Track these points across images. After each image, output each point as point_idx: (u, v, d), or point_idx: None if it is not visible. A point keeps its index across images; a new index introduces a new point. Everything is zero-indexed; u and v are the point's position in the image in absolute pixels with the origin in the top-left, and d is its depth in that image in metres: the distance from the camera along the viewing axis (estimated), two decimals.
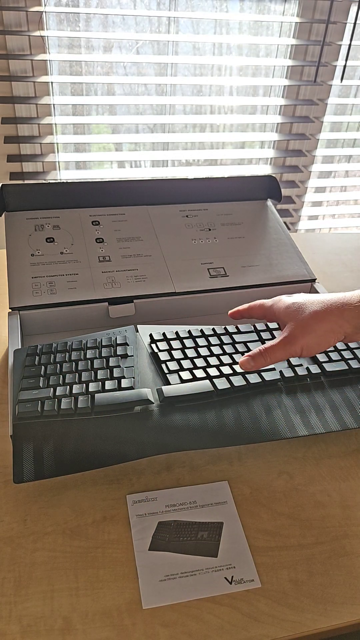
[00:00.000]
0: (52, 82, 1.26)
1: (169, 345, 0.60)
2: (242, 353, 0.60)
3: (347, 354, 0.61)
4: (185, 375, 0.56)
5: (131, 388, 0.54)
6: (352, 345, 0.63)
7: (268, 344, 0.53)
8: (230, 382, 0.56)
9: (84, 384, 0.54)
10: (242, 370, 0.57)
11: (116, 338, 0.60)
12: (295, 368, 0.59)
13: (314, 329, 0.50)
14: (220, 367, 0.57)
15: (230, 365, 0.58)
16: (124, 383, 0.55)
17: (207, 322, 0.72)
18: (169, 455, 0.56)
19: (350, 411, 0.56)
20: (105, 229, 0.76)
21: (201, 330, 0.62)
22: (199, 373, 0.57)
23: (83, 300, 0.67)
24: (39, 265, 0.70)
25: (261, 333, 0.63)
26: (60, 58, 1.24)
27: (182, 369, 0.57)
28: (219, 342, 0.61)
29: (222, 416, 0.53)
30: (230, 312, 0.59)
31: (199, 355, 0.59)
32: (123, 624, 0.43)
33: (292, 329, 0.51)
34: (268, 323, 0.64)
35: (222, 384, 0.55)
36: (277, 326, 0.64)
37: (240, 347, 0.60)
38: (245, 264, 0.75)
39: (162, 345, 0.60)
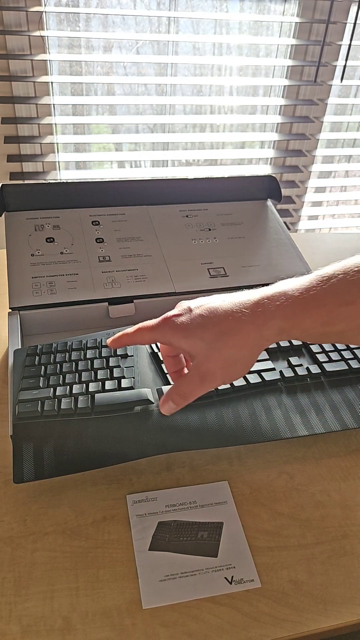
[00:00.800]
0: (52, 82, 1.26)
1: None
2: None
3: (347, 354, 0.61)
4: None
5: (131, 388, 0.54)
6: (352, 345, 0.63)
7: (182, 381, 0.43)
8: (230, 382, 0.56)
9: (84, 384, 0.54)
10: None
11: None
12: (296, 368, 0.59)
13: (234, 359, 0.41)
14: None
15: None
16: (124, 383, 0.55)
17: None
18: (169, 455, 0.56)
19: (350, 411, 0.56)
20: (105, 229, 0.76)
21: None
22: None
23: (83, 300, 0.67)
24: (39, 265, 0.70)
25: None
26: (60, 58, 1.24)
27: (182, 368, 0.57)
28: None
29: (222, 416, 0.53)
30: (108, 341, 0.47)
31: None
32: (123, 624, 0.43)
33: (206, 363, 0.41)
34: None
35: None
36: None
37: None
38: (245, 264, 0.75)
39: None
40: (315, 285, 0.40)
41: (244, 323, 0.41)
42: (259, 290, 0.42)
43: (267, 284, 0.76)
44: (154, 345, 0.60)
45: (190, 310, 0.43)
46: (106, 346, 0.59)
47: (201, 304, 0.43)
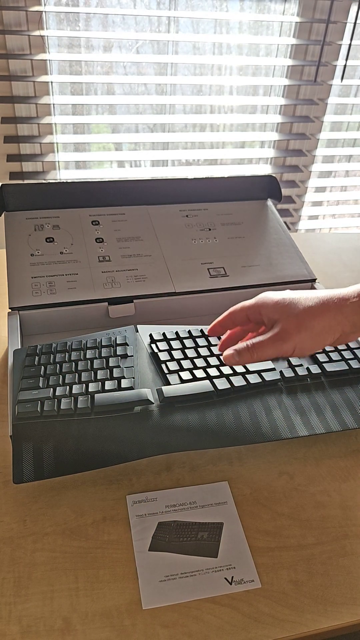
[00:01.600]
0: (51, 82, 1.26)
1: (169, 345, 0.60)
2: None
3: (347, 354, 0.61)
4: (185, 375, 0.56)
5: (131, 388, 0.54)
6: (352, 345, 0.63)
7: (257, 339, 0.47)
8: (230, 382, 0.56)
9: (84, 384, 0.54)
10: (243, 370, 0.57)
11: (116, 338, 0.60)
12: (296, 368, 0.59)
13: (309, 325, 0.46)
14: (221, 367, 0.57)
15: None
16: (124, 383, 0.54)
17: (207, 322, 0.72)
18: (169, 456, 0.56)
19: (350, 411, 0.56)
20: (105, 229, 0.76)
21: (201, 330, 0.62)
22: (199, 373, 0.57)
23: (83, 300, 0.67)
24: (38, 265, 0.70)
25: None
26: (60, 58, 1.24)
27: (182, 369, 0.57)
28: (219, 342, 0.61)
29: (222, 416, 0.53)
30: (209, 329, 0.53)
31: (199, 355, 0.59)
32: (123, 625, 0.43)
33: (284, 326, 0.46)
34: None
35: (222, 384, 0.55)
36: None
37: None
38: (245, 264, 0.75)
39: (162, 345, 0.60)
40: None
41: (328, 299, 0.47)
42: (349, 288, 0.48)
43: (267, 284, 0.76)
44: (153, 346, 0.60)
45: (285, 291, 0.50)
46: (106, 346, 0.59)
47: (297, 291, 0.50)
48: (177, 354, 0.59)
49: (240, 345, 0.48)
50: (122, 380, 0.55)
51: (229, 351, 0.48)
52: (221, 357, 0.58)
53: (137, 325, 0.63)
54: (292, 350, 0.47)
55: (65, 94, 1.32)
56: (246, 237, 0.80)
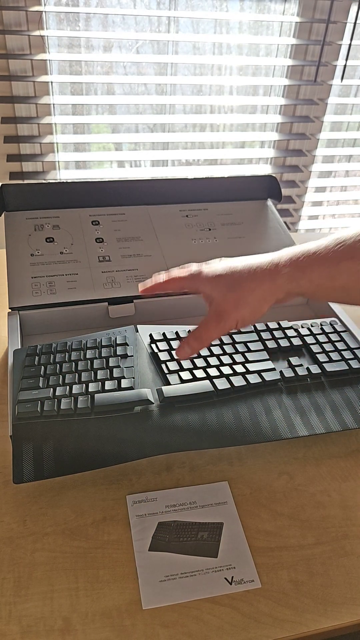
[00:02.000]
0: (51, 82, 1.26)
1: (169, 345, 0.60)
2: (243, 353, 0.60)
3: (347, 354, 0.61)
4: (185, 375, 0.56)
5: (131, 388, 0.54)
6: (352, 345, 0.63)
7: (199, 324, 0.49)
8: (230, 382, 0.56)
9: (84, 384, 0.54)
10: (243, 370, 0.57)
11: (116, 338, 0.60)
12: (296, 368, 0.59)
13: (246, 301, 0.47)
14: (220, 367, 0.57)
15: (230, 365, 0.58)
16: (124, 383, 0.54)
17: None
18: (169, 456, 0.56)
19: (350, 411, 0.56)
20: (105, 229, 0.76)
21: None
22: (199, 373, 0.57)
23: (83, 300, 0.67)
24: (38, 265, 0.70)
25: (261, 333, 0.63)
26: (60, 58, 1.24)
27: (182, 369, 0.57)
28: (219, 342, 0.61)
29: (222, 416, 0.53)
30: (141, 288, 0.53)
31: (199, 355, 0.59)
32: (123, 625, 0.43)
33: (223, 305, 0.47)
34: (268, 323, 0.64)
35: (222, 384, 0.55)
36: (277, 326, 0.64)
37: (240, 347, 0.60)
38: None
39: (162, 345, 0.60)
40: (329, 245, 0.46)
41: (261, 270, 0.47)
42: (284, 249, 0.48)
43: None
44: (153, 346, 0.60)
45: (219, 262, 0.50)
46: (106, 346, 0.59)
47: (231, 260, 0.50)
48: None
49: (186, 338, 0.50)
50: (122, 380, 0.55)
51: (178, 348, 0.50)
52: (220, 357, 0.58)
53: (137, 325, 0.63)
54: (235, 325, 0.49)
55: (65, 94, 1.32)
56: (246, 237, 0.80)
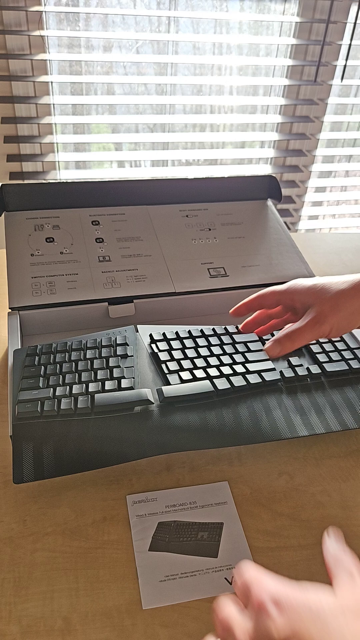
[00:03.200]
0: (51, 82, 1.26)
1: (169, 345, 0.60)
2: (243, 353, 0.60)
3: (347, 354, 0.61)
4: (185, 375, 0.56)
5: (131, 388, 0.54)
6: (352, 345, 0.63)
7: (294, 326, 0.50)
8: (230, 382, 0.56)
9: (84, 384, 0.54)
10: (243, 370, 0.57)
11: (116, 338, 0.60)
12: (296, 368, 0.59)
13: (344, 306, 0.48)
14: (221, 367, 0.57)
15: (230, 365, 0.58)
16: (124, 383, 0.54)
17: (207, 322, 0.72)
18: (169, 456, 0.56)
19: (350, 411, 0.56)
20: (105, 229, 0.76)
21: (201, 330, 0.62)
22: (199, 373, 0.57)
23: (83, 300, 0.67)
24: (38, 265, 0.70)
25: None
26: (60, 58, 1.24)
27: (182, 369, 0.57)
28: (219, 342, 0.61)
29: (222, 416, 0.53)
30: (233, 309, 0.56)
31: (199, 356, 0.59)
32: (123, 625, 0.43)
33: (320, 309, 0.49)
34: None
35: (222, 384, 0.55)
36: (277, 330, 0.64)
37: (240, 347, 0.60)
38: (245, 264, 0.75)
39: (162, 345, 0.60)
40: None
41: (356, 283, 0.49)
42: None
43: (267, 284, 0.76)
44: (153, 346, 0.60)
45: (316, 278, 0.52)
46: (106, 346, 0.59)
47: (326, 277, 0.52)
48: (177, 354, 0.59)
49: (279, 335, 0.51)
50: (122, 380, 0.55)
51: (270, 343, 0.51)
52: (220, 357, 0.58)
53: (137, 325, 0.63)
54: (329, 331, 0.50)
55: (65, 94, 1.32)
56: (246, 237, 0.80)
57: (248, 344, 0.61)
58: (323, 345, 0.62)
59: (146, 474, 0.54)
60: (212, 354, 0.59)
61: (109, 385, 0.54)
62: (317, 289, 0.50)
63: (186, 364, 0.58)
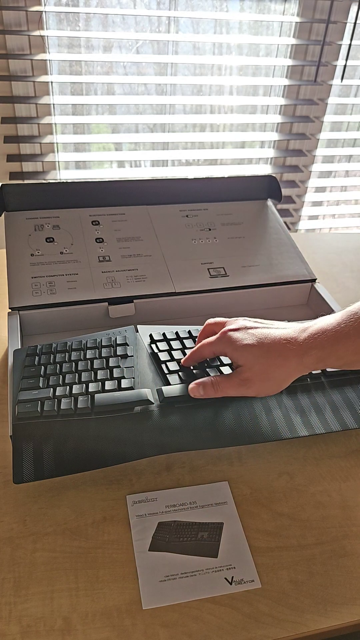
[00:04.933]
0: (51, 82, 1.26)
1: (169, 345, 0.60)
2: None
3: None
4: (185, 375, 0.56)
5: (131, 388, 0.54)
6: None
7: (222, 377, 0.51)
8: None
9: (84, 384, 0.54)
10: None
11: (116, 338, 0.60)
12: None
13: (273, 375, 0.49)
14: (221, 367, 0.57)
15: (230, 365, 0.58)
16: (124, 383, 0.54)
17: None
18: (169, 456, 0.56)
19: (350, 411, 0.56)
20: (105, 229, 0.76)
21: None
22: (199, 373, 0.57)
23: (83, 300, 0.67)
24: (38, 265, 0.70)
25: None
26: (60, 58, 1.24)
27: (182, 369, 0.57)
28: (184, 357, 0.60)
29: (222, 416, 0.53)
30: (182, 361, 0.57)
31: None
32: (123, 625, 0.43)
33: (249, 375, 0.49)
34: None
35: None
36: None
37: None
38: (245, 264, 0.75)
39: (162, 346, 0.60)
40: (344, 320, 0.48)
41: (288, 349, 0.49)
42: (302, 325, 0.50)
43: (267, 284, 0.76)
44: (153, 346, 0.60)
45: (246, 328, 0.51)
46: (106, 346, 0.59)
47: (256, 327, 0.51)
48: (177, 354, 0.59)
49: (205, 380, 0.52)
50: (122, 380, 0.55)
51: (193, 385, 0.52)
52: (220, 357, 0.58)
53: (137, 325, 0.63)
54: (254, 394, 0.51)
55: (65, 94, 1.32)
56: (246, 237, 0.80)
57: None
58: None
59: (146, 474, 0.54)
60: None
61: (109, 385, 0.54)
62: (248, 350, 0.49)
63: None
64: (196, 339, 0.61)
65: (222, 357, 0.58)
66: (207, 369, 0.56)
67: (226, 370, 0.56)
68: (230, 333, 0.51)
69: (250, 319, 0.53)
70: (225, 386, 0.51)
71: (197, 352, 0.55)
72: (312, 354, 0.48)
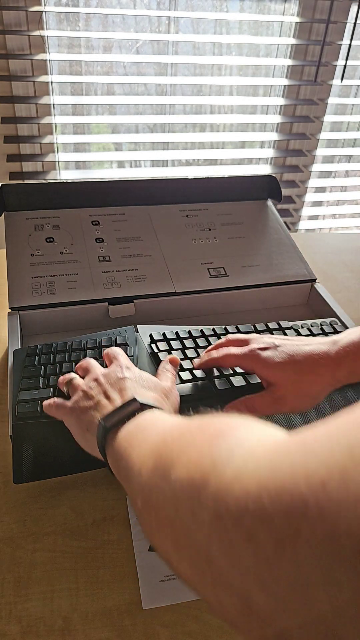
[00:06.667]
0: (51, 82, 1.26)
1: (169, 345, 0.60)
2: None
3: None
4: (185, 375, 0.56)
5: None
6: None
7: (254, 397, 0.50)
8: (230, 382, 0.56)
9: None
10: (242, 370, 0.57)
11: (116, 338, 0.60)
12: None
13: (306, 392, 0.49)
14: (220, 367, 0.57)
15: (242, 374, 0.57)
16: None
17: (207, 322, 0.72)
18: None
19: None
20: (105, 229, 0.76)
21: (201, 331, 0.62)
22: (199, 373, 0.56)
23: (83, 300, 0.67)
24: (38, 265, 0.70)
25: (261, 333, 0.63)
26: (60, 58, 1.24)
27: (182, 369, 0.57)
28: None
29: None
30: (196, 364, 0.56)
31: (199, 356, 0.59)
32: (123, 625, 0.43)
33: (282, 391, 0.49)
34: (268, 323, 0.64)
35: (222, 384, 0.55)
36: (277, 326, 0.64)
37: None
38: (245, 264, 0.75)
39: (162, 346, 0.60)
40: None
41: (320, 365, 0.48)
42: (331, 339, 0.50)
43: (267, 284, 0.76)
44: (153, 346, 0.60)
45: (275, 346, 0.50)
46: (106, 346, 0.59)
47: (285, 343, 0.50)
48: (177, 354, 0.58)
49: (239, 402, 0.50)
50: None
51: (229, 410, 0.51)
52: None
53: (137, 325, 0.63)
54: (289, 411, 0.50)
55: (65, 94, 1.32)
56: (246, 237, 0.80)
57: None
58: None
59: None
60: None
61: None
62: (281, 369, 0.48)
63: (186, 364, 0.58)
64: (197, 339, 0.61)
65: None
66: (215, 378, 0.56)
67: (237, 379, 0.56)
68: (259, 352, 0.50)
69: (274, 336, 0.53)
70: (260, 405, 0.50)
71: (218, 360, 0.54)
72: (344, 368, 0.48)
